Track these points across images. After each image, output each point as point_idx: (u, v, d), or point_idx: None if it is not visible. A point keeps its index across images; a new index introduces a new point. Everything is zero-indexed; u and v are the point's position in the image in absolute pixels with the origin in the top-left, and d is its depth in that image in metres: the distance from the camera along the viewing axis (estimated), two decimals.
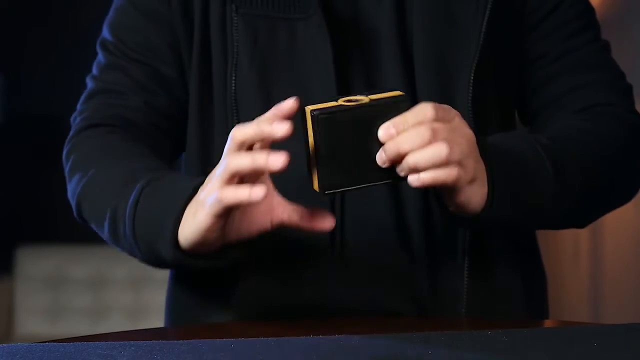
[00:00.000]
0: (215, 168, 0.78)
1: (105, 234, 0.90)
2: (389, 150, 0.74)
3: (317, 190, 0.77)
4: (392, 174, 0.76)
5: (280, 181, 0.80)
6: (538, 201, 0.85)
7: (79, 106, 0.99)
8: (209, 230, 0.77)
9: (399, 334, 0.75)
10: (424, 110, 0.76)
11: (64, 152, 0.97)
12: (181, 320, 1.00)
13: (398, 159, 0.75)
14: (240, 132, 0.75)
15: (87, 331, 3.08)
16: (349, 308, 0.90)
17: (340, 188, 0.77)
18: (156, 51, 0.95)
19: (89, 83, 1.00)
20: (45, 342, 0.72)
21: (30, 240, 3.27)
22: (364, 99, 0.76)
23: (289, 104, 0.74)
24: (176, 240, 0.80)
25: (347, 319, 0.88)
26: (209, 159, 0.93)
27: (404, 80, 0.92)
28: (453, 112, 0.79)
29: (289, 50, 0.91)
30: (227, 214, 0.76)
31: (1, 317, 3.18)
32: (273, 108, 0.75)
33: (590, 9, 1.02)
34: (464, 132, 0.78)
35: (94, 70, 1.00)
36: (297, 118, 0.75)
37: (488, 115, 0.94)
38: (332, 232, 0.89)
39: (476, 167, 0.79)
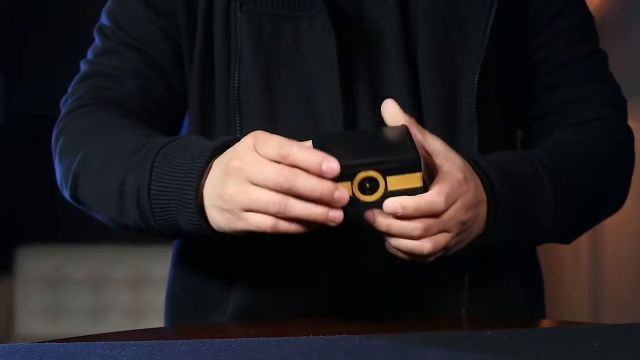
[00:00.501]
0: (246, 143, 0.74)
1: (107, 211, 0.87)
2: (379, 224, 0.75)
3: None
4: None
5: None
6: (537, 224, 0.87)
7: (70, 88, 0.98)
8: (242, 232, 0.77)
9: (399, 334, 0.75)
10: (437, 205, 0.75)
11: (53, 135, 0.94)
12: (181, 320, 1.00)
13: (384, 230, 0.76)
14: (304, 181, 0.71)
15: (87, 331, 3.08)
16: (347, 310, 0.90)
17: None
18: (154, 40, 0.95)
19: (83, 66, 0.98)
20: (45, 342, 0.72)
21: (30, 240, 3.27)
22: (380, 182, 0.73)
23: (333, 170, 0.72)
24: (200, 205, 0.78)
25: (347, 319, 0.88)
26: None
27: (407, 81, 0.92)
28: (458, 194, 0.78)
29: (293, 49, 0.91)
30: None
31: (1, 317, 3.18)
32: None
33: (590, 17, 1.03)
34: (458, 218, 0.78)
35: (89, 55, 0.98)
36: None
37: (491, 117, 0.94)
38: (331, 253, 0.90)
39: (472, 224, 0.81)
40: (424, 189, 0.74)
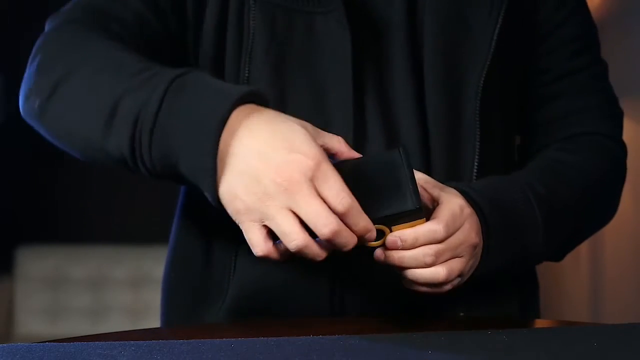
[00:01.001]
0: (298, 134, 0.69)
1: (83, 129, 0.77)
2: (391, 258, 0.75)
3: None
4: None
5: None
6: (528, 251, 0.87)
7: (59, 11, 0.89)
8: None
9: (399, 334, 0.75)
10: (436, 233, 0.75)
11: (32, 54, 0.85)
12: (177, 308, 0.99)
13: (397, 266, 0.76)
14: (343, 239, 0.69)
15: (87, 331, 3.08)
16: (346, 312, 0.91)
17: None
18: (165, 6, 0.89)
19: None
20: (45, 342, 0.72)
21: (30, 240, 3.27)
22: (386, 231, 0.75)
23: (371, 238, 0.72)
24: (215, 151, 0.69)
25: (347, 319, 0.88)
26: None
27: (412, 82, 0.91)
28: (463, 218, 0.78)
29: (306, 43, 0.90)
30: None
31: (1, 317, 3.18)
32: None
33: (593, 28, 1.04)
34: (469, 241, 0.78)
35: None
36: None
37: (492, 122, 0.94)
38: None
39: (479, 250, 0.81)
40: (422, 213, 0.75)
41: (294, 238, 0.68)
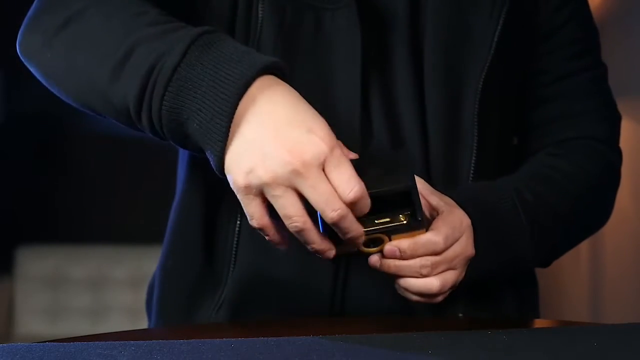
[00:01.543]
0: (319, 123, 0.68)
1: (88, 70, 0.74)
2: (386, 266, 0.76)
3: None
4: None
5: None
6: (516, 259, 0.88)
7: None
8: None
9: (399, 334, 0.75)
10: (435, 245, 0.76)
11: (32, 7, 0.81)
12: (172, 311, 0.99)
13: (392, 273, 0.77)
14: (349, 224, 0.69)
15: (87, 331, 3.08)
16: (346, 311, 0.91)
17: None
18: None
19: None
20: (45, 342, 0.72)
21: (30, 240, 3.27)
22: (385, 239, 0.75)
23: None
24: (232, 113, 0.67)
25: (347, 319, 0.88)
26: None
27: (414, 82, 0.91)
28: (462, 230, 0.78)
29: (314, 39, 0.89)
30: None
31: (1, 317, 3.18)
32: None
33: (594, 30, 1.03)
34: (465, 254, 0.79)
35: None
36: None
37: (491, 123, 0.94)
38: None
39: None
40: (423, 224, 0.76)
41: (296, 220, 0.68)
